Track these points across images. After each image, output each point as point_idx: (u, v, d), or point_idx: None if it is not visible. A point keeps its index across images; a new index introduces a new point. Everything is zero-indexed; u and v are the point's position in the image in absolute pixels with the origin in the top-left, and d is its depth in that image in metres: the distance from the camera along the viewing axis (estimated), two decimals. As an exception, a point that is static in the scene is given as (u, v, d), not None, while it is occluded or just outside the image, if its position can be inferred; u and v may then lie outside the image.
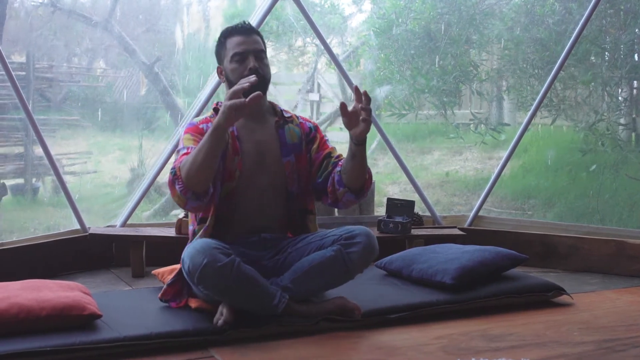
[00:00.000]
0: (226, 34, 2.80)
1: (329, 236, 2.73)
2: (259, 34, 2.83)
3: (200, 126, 2.73)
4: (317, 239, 2.75)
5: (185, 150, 2.65)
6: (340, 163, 2.81)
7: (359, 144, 2.67)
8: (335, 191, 2.79)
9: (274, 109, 2.90)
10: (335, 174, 2.79)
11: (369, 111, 2.60)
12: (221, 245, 2.55)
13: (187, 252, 2.55)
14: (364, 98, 2.59)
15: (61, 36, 5.11)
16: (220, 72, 2.83)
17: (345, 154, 2.78)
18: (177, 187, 2.55)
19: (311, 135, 2.92)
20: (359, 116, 2.60)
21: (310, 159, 2.89)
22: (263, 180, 2.78)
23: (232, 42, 2.77)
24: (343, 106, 2.61)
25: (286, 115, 2.90)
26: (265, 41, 2.89)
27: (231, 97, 2.45)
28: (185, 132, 2.74)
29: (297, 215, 2.88)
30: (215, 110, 2.79)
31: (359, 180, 2.75)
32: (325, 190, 2.83)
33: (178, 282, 2.74)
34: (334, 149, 2.92)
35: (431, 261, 3.15)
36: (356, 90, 2.62)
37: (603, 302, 3.19)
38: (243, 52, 2.74)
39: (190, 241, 2.78)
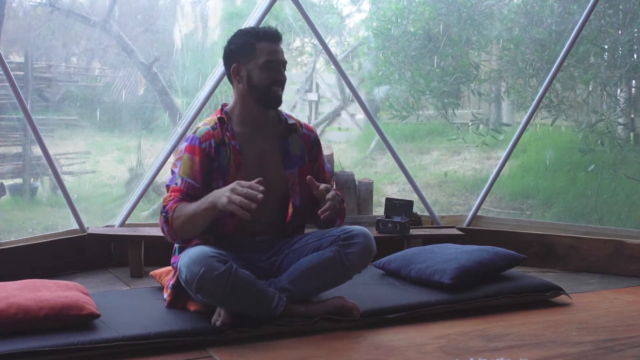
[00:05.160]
0: (257, 36, 2.72)
1: (327, 236, 2.72)
2: None
3: (202, 146, 2.67)
4: (314, 240, 2.74)
5: (180, 184, 2.64)
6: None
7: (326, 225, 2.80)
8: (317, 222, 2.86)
9: (278, 116, 2.86)
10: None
11: (334, 197, 2.68)
12: (217, 252, 2.53)
13: (183, 261, 2.53)
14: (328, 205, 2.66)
15: (59, 36, 5.11)
16: (237, 71, 2.74)
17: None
18: (166, 230, 2.64)
19: (314, 150, 2.90)
20: (325, 196, 2.67)
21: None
22: (265, 191, 2.68)
23: (265, 48, 2.70)
24: (310, 181, 2.66)
25: (290, 122, 2.86)
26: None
27: (242, 201, 2.42)
28: (186, 151, 2.69)
29: (290, 230, 2.86)
30: (221, 119, 2.73)
31: (333, 221, 2.82)
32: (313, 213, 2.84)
33: (175, 288, 2.72)
34: (330, 177, 2.95)
35: (430, 261, 3.15)
36: (317, 188, 2.67)
37: (601, 302, 3.19)
38: (276, 61, 2.72)
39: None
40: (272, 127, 2.83)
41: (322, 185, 2.68)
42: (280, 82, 2.73)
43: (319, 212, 2.65)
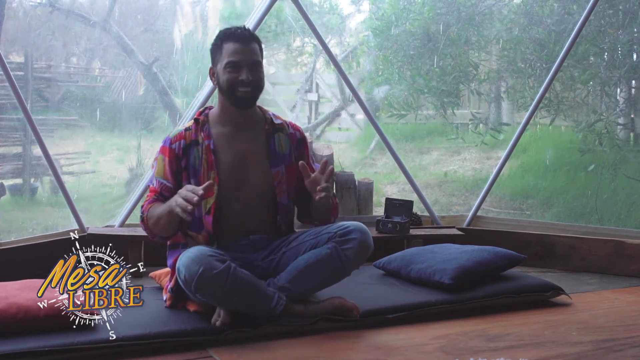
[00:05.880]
0: (223, 37, 2.73)
1: (323, 233, 2.72)
2: (257, 41, 2.76)
3: (172, 147, 2.73)
4: (311, 237, 2.74)
5: (155, 184, 2.74)
6: None
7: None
8: (312, 220, 2.89)
9: (264, 116, 2.86)
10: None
11: (327, 188, 2.62)
12: (216, 252, 2.54)
13: (182, 261, 2.53)
14: (325, 176, 2.63)
15: (59, 36, 5.11)
16: (212, 74, 2.79)
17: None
18: (144, 229, 2.76)
19: (300, 149, 2.90)
20: (318, 185, 2.63)
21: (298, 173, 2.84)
22: (248, 190, 2.75)
23: (229, 49, 2.70)
24: (303, 167, 2.63)
25: (276, 122, 2.86)
26: (264, 42, 2.85)
27: (183, 202, 2.45)
28: (160, 152, 2.77)
29: (283, 228, 2.87)
30: (196, 120, 2.77)
31: (327, 217, 2.83)
32: (305, 211, 2.88)
33: (174, 291, 2.73)
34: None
35: (429, 261, 3.15)
36: (323, 164, 2.65)
37: (601, 302, 3.19)
38: (238, 61, 2.69)
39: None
40: (256, 126, 2.82)
41: (315, 174, 2.65)
42: (244, 82, 2.68)
43: (318, 189, 2.60)
